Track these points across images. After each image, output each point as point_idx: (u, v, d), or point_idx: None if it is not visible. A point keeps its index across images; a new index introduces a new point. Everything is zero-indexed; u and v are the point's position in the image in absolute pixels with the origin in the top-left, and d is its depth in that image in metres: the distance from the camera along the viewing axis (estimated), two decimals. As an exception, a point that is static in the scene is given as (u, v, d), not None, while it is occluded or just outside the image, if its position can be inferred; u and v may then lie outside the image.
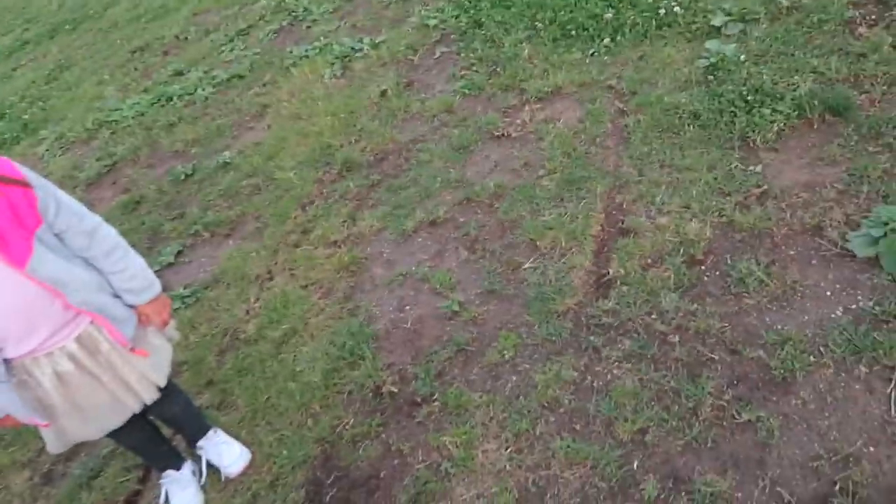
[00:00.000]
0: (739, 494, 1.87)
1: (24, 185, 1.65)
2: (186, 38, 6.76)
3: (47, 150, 5.44)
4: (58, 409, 1.87)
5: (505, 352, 2.47)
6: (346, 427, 2.45)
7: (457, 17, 4.95)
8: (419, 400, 2.45)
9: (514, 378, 2.39)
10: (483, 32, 4.59)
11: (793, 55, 3.30)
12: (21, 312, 1.70)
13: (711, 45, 3.49)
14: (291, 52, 5.37)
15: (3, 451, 2.88)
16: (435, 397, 2.43)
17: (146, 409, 2.11)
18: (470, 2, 5.03)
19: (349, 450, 2.38)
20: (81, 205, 1.82)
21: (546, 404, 2.27)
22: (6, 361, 1.76)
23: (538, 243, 2.84)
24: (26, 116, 6.51)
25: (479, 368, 2.47)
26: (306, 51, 5.28)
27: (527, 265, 2.77)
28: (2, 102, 7.12)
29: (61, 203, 1.73)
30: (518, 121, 3.64)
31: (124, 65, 6.70)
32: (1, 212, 1.60)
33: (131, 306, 1.95)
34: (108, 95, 6.04)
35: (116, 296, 1.91)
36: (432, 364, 2.53)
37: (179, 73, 5.89)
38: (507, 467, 2.13)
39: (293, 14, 6.21)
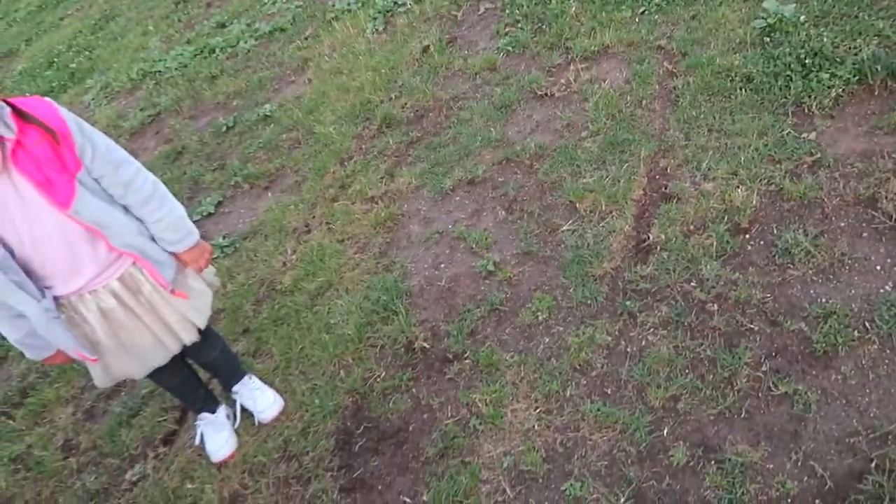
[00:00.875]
0: (771, 466, 1.85)
1: (60, 132, 1.65)
2: (229, -10, 6.73)
3: (93, 98, 5.54)
4: (103, 346, 1.94)
5: (539, 313, 2.45)
6: (378, 380, 2.48)
7: (503, -29, 4.81)
8: (450, 357, 2.46)
9: (547, 340, 2.38)
10: (529, -12, 4.46)
11: (856, 17, 3.11)
12: (67, 252, 1.74)
13: (769, 4, 3.32)
14: (334, 5, 5.31)
15: (49, 387, 3.01)
16: (466, 355, 2.43)
17: (185, 353, 2.17)
18: (517, -44, 4.88)
19: (379, 402, 2.41)
20: (121, 153, 1.80)
21: (578, 367, 2.25)
22: (54, 299, 1.81)
23: (578, 206, 2.79)
24: (73, 65, 6.62)
25: (511, 329, 2.46)
26: (349, 4, 5.21)
27: (565, 227, 2.73)
28: (51, 51, 7.26)
29: (96, 150, 1.73)
30: (562, 80, 3.55)
31: (168, 16, 6.73)
32: (45, 155, 1.62)
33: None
34: (152, 46, 6.09)
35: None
36: (465, 322, 2.53)
37: (222, 25, 5.89)
38: (536, 427, 2.14)
39: (336, -34, 6.11)
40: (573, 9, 4.02)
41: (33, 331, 1.79)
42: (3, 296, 1.69)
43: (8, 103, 1.61)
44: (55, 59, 6.91)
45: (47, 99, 1.71)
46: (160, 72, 5.43)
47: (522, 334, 2.43)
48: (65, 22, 8.21)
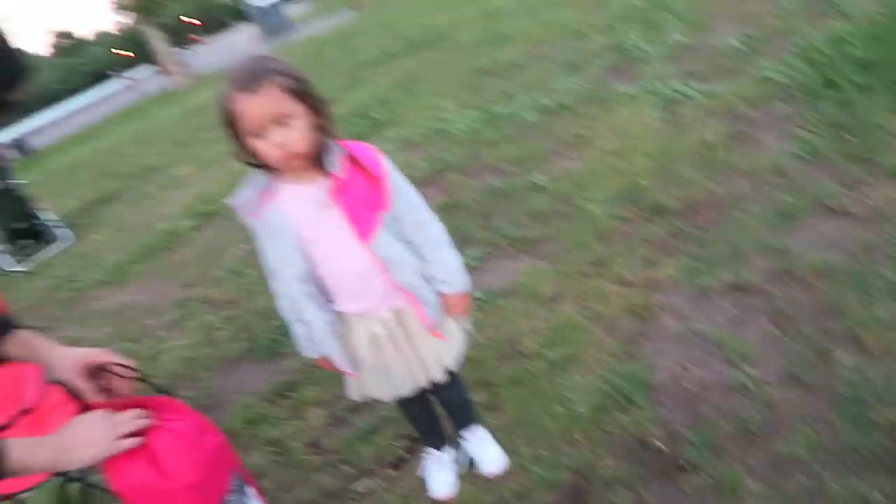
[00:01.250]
0: None
1: (379, 176, 1.91)
2: (521, 65, 7.31)
3: (390, 147, 6.35)
4: (363, 366, 2.18)
5: (797, 447, 2.21)
6: (603, 468, 2.43)
7: (805, 73, 4.57)
8: (686, 466, 2.32)
9: (803, 479, 2.13)
10: (834, 93, 4.16)
11: None
12: (356, 280, 1.99)
13: None
14: (618, 89, 5.48)
15: (310, 387, 3.44)
16: (705, 469, 2.28)
17: (430, 389, 2.35)
18: (824, 58, 4.60)
19: (602, 491, 2.36)
20: (419, 198, 2.01)
21: (839, 521, 1.98)
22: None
23: (863, 339, 2.49)
24: (376, 116, 7.67)
25: (762, 456, 2.25)
26: (633, 90, 5.33)
27: (845, 360, 2.45)
28: (362, 102, 8.51)
29: (403, 196, 1.97)
30: (862, 196, 3.23)
31: (464, 83, 7.50)
32: (361, 194, 1.88)
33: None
34: (445, 107, 6.83)
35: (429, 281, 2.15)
36: (709, 433, 2.38)
37: (510, 96, 6.40)
38: (776, 573, 1.92)
39: (627, 53, 6.31)
40: (886, 120, 3.65)
41: (310, 335, 2.08)
42: (298, 302, 1.99)
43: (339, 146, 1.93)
44: (364, 110, 8.08)
45: (367, 144, 2.00)
46: (449, 131, 6.06)
47: (774, 465, 2.21)
48: (378, 79, 9.59)
